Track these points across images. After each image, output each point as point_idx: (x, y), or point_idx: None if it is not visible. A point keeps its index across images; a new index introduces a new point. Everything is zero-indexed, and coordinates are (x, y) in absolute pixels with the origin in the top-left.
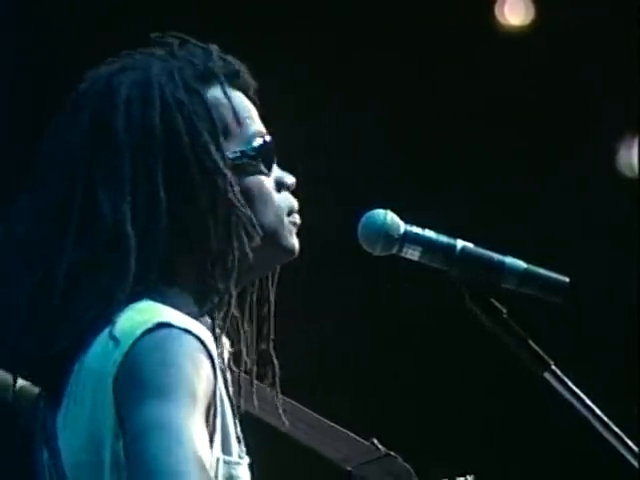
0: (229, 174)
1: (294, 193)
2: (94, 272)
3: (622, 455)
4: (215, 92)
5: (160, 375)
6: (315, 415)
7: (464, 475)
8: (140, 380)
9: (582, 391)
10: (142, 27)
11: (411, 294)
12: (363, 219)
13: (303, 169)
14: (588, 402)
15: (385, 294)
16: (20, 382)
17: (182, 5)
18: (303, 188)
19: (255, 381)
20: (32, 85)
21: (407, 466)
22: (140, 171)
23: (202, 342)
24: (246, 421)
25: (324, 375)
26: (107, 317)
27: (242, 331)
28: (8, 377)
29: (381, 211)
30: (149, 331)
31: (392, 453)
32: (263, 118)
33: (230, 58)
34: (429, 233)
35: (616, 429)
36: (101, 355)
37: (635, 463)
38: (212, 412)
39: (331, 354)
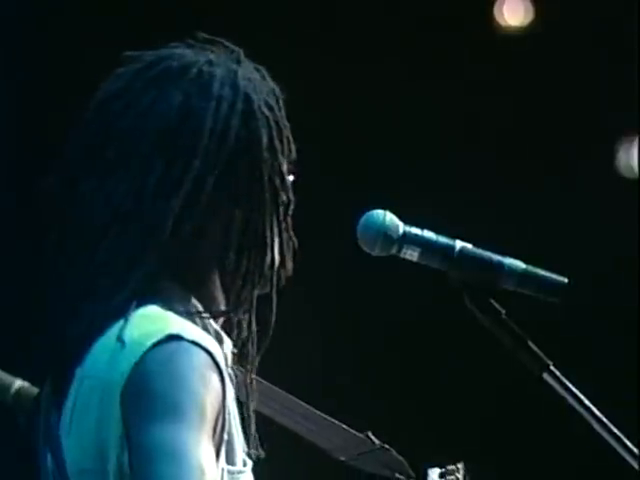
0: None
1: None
2: (113, 265)
3: (622, 456)
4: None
5: (170, 393)
6: (310, 407)
7: (454, 463)
8: (150, 396)
9: (581, 391)
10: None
11: (410, 294)
12: (362, 220)
13: (302, 169)
14: (587, 403)
15: (384, 294)
16: (20, 382)
17: None
18: (303, 188)
19: (256, 377)
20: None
21: (401, 459)
22: (206, 173)
23: (211, 354)
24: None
25: (324, 373)
26: (114, 314)
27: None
28: (8, 378)
29: (380, 212)
30: (159, 343)
31: (386, 446)
32: None
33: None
34: (428, 234)
35: (616, 430)
36: (108, 363)
37: (635, 465)
38: (220, 425)
39: (330, 353)
